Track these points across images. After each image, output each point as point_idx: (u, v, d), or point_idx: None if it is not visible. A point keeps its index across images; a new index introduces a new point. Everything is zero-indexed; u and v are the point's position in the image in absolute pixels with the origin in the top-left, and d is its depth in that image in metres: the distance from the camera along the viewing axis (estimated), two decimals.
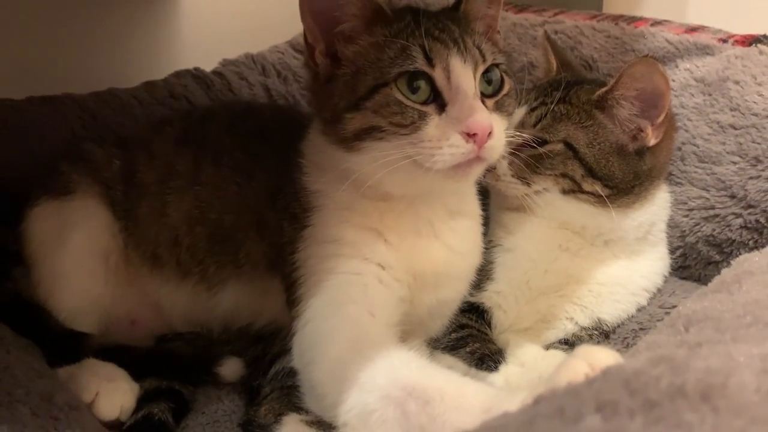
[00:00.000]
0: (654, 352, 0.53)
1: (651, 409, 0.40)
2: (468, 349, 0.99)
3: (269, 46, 1.63)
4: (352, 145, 0.82)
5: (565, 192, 1.03)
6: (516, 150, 0.97)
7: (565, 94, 1.06)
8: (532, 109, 1.06)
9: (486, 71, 0.83)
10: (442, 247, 0.92)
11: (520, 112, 1.07)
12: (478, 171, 0.84)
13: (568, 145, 1.02)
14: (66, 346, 0.94)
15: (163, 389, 0.92)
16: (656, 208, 1.09)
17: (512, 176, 1.03)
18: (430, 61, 0.79)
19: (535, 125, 1.05)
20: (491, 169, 1.02)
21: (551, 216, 1.07)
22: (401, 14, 0.85)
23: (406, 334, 0.92)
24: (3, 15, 1.41)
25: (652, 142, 1.03)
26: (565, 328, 1.06)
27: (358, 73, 0.81)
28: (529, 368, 0.96)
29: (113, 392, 0.88)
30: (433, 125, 0.78)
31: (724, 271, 0.73)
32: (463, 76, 0.79)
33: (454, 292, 0.97)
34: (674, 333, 0.60)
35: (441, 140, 0.78)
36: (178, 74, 1.49)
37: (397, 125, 0.79)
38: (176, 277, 1.02)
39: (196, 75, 1.49)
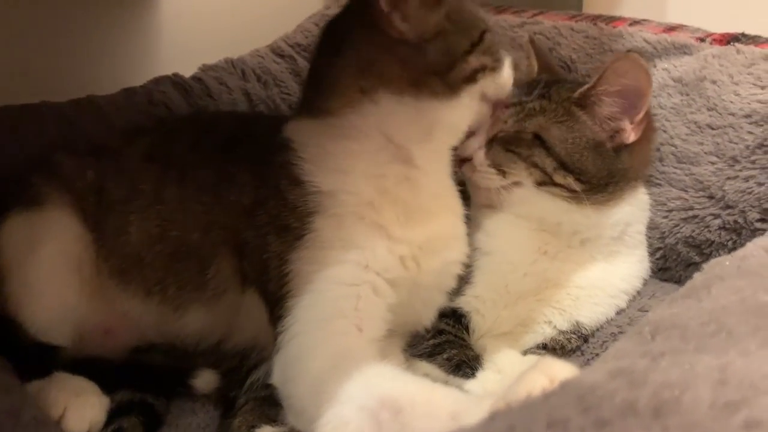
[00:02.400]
0: (615, 363, 0.52)
1: (601, 427, 0.39)
2: (445, 356, 0.98)
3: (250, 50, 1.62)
4: (457, 90, 0.90)
5: (538, 184, 1.03)
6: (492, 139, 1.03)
7: (544, 92, 1.06)
8: (505, 107, 1.06)
9: None
10: (448, 210, 0.98)
11: None
12: None
13: (537, 137, 1.02)
14: (36, 360, 0.92)
15: (134, 402, 0.91)
16: (632, 209, 1.08)
17: (488, 166, 1.04)
18: None
19: (506, 122, 1.05)
20: (468, 160, 1.04)
21: (527, 212, 1.06)
22: None
23: (398, 326, 0.95)
24: None
25: (631, 138, 1.03)
26: (543, 332, 1.05)
27: (460, 25, 0.92)
28: (506, 374, 0.95)
29: (82, 407, 0.86)
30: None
31: (696, 276, 0.72)
32: None
33: (457, 253, 0.99)
34: (641, 341, 0.59)
35: (510, 70, 0.98)
36: (158, 80, 1.47)
37: (497, 60, 0.94)
38: (142, 294, 1.01)
39: (176, 81, 1.47)
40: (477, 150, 1.04)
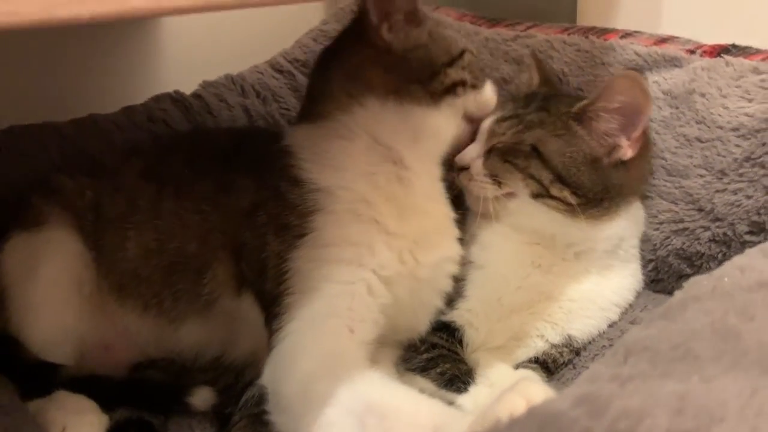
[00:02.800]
0: (585, 388, 0.53)
1: None
2: (438, 370, 0.99)
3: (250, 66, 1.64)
4: (438, 100, 0.99)
5: (534, 196, 1.04)
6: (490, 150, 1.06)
7: (543, 104, 1.08)
8: (503, 119, 1.07)
9: None
10: (440, 208, 1.03)
11: (488, 121, 1.08)
12: None
13: (535, 149, 1.04)
14: (37, 379, 0.95)
15: (133, 420, 0.93)
16: (627, 224, 1.09)
17: (485, 175, 1.05)
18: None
19: (505, 133, 1.06)
20: (466, 169, 1.06)
21: (521, 224, 1.07)
22: None
23: (395, 332, 0.99)
24: None
25: (628, 155, 1.04)
26: (535, 345, 1.06)
27: (440, 43, 1.02)
28: (497, 388, 0.95)
29: (80, 426, 0.88)
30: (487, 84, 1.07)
31: (676, 294, 0.72)
32: None
33: (451, 251, 1.03)
34: (614, 364, 0.60)
35: (492, 93, 1.08)
36: (158, 98, 1.49)
37: (477, 78, 1.03)
38: (139, 309, 1.04)
39: (176, 98, 1.49)
40: (475, 159, 1.06)
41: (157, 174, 1.08)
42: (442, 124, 1.01)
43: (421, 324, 1.03)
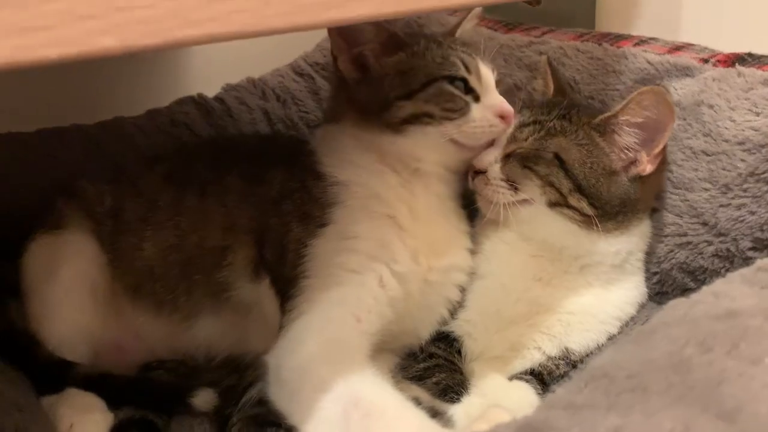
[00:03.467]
0: (536, 415, 0.54)
1: None
2: (434, 380, 1.01)
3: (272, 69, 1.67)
4: (399, 129, 1.01)
5: (551, 205, 1.03)
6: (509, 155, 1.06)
7: (565, 113, 1.07)
8: (524, 125, 1.07)
9: None
10: (449, 221, 1.07)
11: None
12: None
13: (557, 157, 1.04)
14: (52, 376, 1.00)
15: (136, 419, 0.97)
16: (636, 239, 1.09)
17: (501, 180, 1.05)
18: (467, 68, 1.03)
19: (526, 139, 1.06)
20: (482, 172, 1.06)
21: (531, 232, 1.07)
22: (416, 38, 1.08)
23: (397, 336, 1.02)
24: None
25: (647, 170, 1.04)
26: (532, 357, 1.06)
27: (405, 74, 1.02)
28: (489, 399, 0.97)
29: (86, 423, 0.93)
30: (476, 110, 1.01)
31: (655, 316, 0.72)
32: (488, 77, 1.05)
33: (461, 260, 1.06)
34: (575, 390, 0.60)
35: (483, 121, 1.01)
36: (181, 101, 1.54)
37: (448, 111, 1.00)
38: (154, 309, 1.09)
39: (198, 102, 1.53)
40: (492, 163, 1.06)
41: (180, 177, 1.14)
42: (417, 150, 1.03)
43: (425, 330, 1.06)
